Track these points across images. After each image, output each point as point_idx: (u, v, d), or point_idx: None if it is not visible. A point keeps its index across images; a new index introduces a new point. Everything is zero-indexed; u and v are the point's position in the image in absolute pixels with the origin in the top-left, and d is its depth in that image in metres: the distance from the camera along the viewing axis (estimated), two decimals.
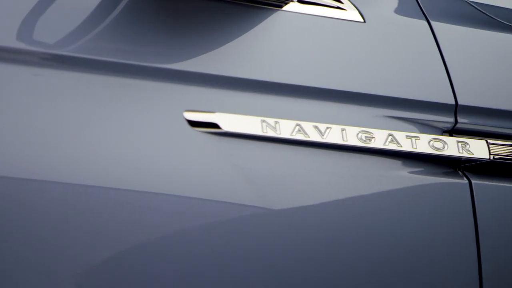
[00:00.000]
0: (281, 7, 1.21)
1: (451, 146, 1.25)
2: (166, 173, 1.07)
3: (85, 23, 1.08)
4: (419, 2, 1.34)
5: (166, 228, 1.07)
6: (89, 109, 1.06)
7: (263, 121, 1.14)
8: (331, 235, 1.16)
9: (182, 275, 1.07)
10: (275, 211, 1.13)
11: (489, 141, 1.28)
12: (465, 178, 1.26)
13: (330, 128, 1.18)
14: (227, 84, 1.14)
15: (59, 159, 1.03)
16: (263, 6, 1.20)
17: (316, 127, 1.17)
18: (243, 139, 1.13)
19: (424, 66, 1.28)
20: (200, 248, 1.08)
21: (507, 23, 1.42)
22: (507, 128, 1.32)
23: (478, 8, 1.42)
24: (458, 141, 1.26)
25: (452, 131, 1.28)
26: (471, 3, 1.43)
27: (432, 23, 1.32)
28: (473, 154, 1.26)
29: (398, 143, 1.21)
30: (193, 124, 1.11)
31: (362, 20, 1.27)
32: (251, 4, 1.19)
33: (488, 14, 1.42)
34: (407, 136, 1.22)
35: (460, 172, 1.27)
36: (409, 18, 1.32)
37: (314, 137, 1.16)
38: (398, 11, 1.32)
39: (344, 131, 1.18)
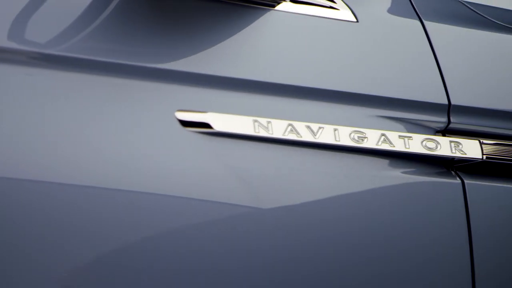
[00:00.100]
0: (274, 6, 1.21)
1: (444, 146, 1.25)
2: (157, 173, 1.07)
3: (77, 22, 1.08)
4: (412, 2, 1.34)
5: (157, 227, 1.06)
6: (81, 108, 1.06)
7: (255, 121, 1.14)
8: (323, 235, 1.15)
9: (175, 274, 1.07)
10: (267, 211, 1.13)
11: (482, 141, 1.28)
12: (458, 178, 1.26)
13: (323, 128, 1.18)
14: (219, 84, 1.14)
15: (51, 159, 1.03)
16: (256, 5, 1.19)
17: (308, 127, 1.17)
18: (235, 139, 1.12)
19: (417, 66, 1.28)
20: (192, 247, 1.08)
21: (501, 23, 1.42)
22: (500, 128, 1.32)
23: (472, 8, 1.42)
24: (451, 141, 1.26)
25: (445, 131, 1.28)
26: (464, 3, 1.43)
27: (425, 23, 1.32)
28: (466, 154, 1.26)
29: (390, 143, 1.21)
30: (185, 124, 1.10)
31: (355, 20, 1.27)
32: (243, 3, 1.19)
33: (482, 14, 1.42)
34: (399, 136, 1.22)
35: (453, 172, 1.26)
36: (402, 18, 1.32)
37: (307, 137, 1.16)
38: (391, 10, 1.31)
39: (336, 131, 1.18)
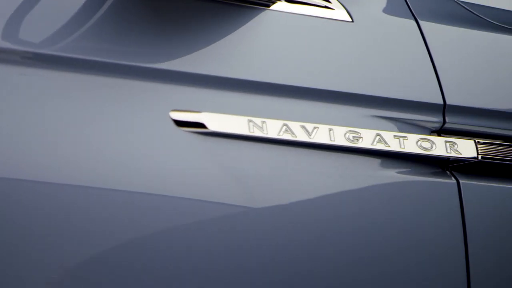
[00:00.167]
0: (269, 6, 1.21)
1: (439, 146, 1.25)
2: (152, 173, 1.07)
3: (71, 22, 1.08)
4: (408, 2, 1.34)
5: (152, 227, 1.06)
6: (75, 108, 1.05)
7: (250, 121, 1.13)
8: (318, 234, 1.15)
9: (169, 273, 1.07)
10: (262, 211, 1.12)
11: (477, 141, 1.28)
12: (453, 178, 1.25)
13: (318, 128, 1.17)
14: (214, 84, 1.14)
15: (44, 159, 1.03)
16: (251, 5, 1.19)
17: (303, 127, 1.17)
18: (230, 139, 1.12)
19: (412, 66, 1.28)
20: (186, 247, 1.08)
21: (496, 23, 1.42)
22: (496, 128, 1.32)
23: (467, 7, 1.42)
24: (446, 141, 1.26)
25: (440, 131, 1.28)
26: (460, 3, 1.43)
27: (421, 22, 1.32)
28: (461, 154, 1.26)
29: (386, 143, 1.21)
30: (180, 123, 1.10)
31: (350, 20, 1.27)
32: (238, 3, 1.18)
33: (477, 14, 1.42)
34: (395, 136, 1.22)
35: (448, 172, 1.26)
36: (397, 18, 1.32)
37: (302, 137, 1.16)
38: (387, 10, 1.31)
39: (331, 131, 1.18)
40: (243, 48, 1.17)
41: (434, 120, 1.27)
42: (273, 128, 1.15)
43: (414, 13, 1.33)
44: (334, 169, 1.18)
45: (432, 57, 1.29)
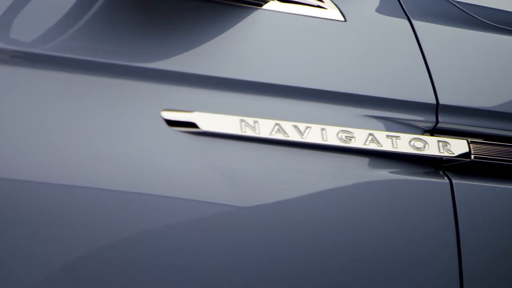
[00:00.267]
0: (261, 5, 1.20)
1: (432, 146, 1.25)
2: (143, 173, 1.07)
3: (63, 22, 1.07)
4: (401, 1, 1.34)
5: (143, 226, 1.06)
6: (65, 108, 1.05)
7: (242, 120, 1.13)
8: (310, 234, 1.15)
9: (161, 272, 1.07)
10: (254, 211, 1.12)
11: (470, 140, 1.28)
12: (446, 178, 1.25)
13: (310, 127, 1.17)
14: (206, 83, 1.13)
15: (35, 158, 1.02)
16: (243, 4, 1.19)
17: (295, 126, 1.16)
18: (222, 138, 1.12)
19: (405, 65, 1.28)
20: (178, 247, 1.08)
21: (489, 23, 1.42)
22: (488, 128, 1.32)
23: (460, 7, 1.42)
24: (439, 141, 1.26)
25: (433, 131, 1.28)
26: (453, 2, 1.43)
27: (414, 22, 1.32)
28: (454, 154, 1.26)
29: (378, 142, 1.21)
30: (171, 123, 1.10)
31: (343, 19, 1.27)
32: (230, 2, 1.18)
33: (470, 14, 1.42)
34: (387, 136, 1.22)
35: (441, 172, 1.26)
36: (390, 17, 1.31)
37: (294, 136, 1.16)
38: (380, 10, 1.31)
39: (324, 131, 1.18)
40: (235, 48, 1.17)
41: (427, 119, 1.27)
42: (265, 128, 1.14)
43: (407, 13, 1.33)
44: (326, 169, 1.18)
45: (425, 57, 1.29)
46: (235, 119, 1.13)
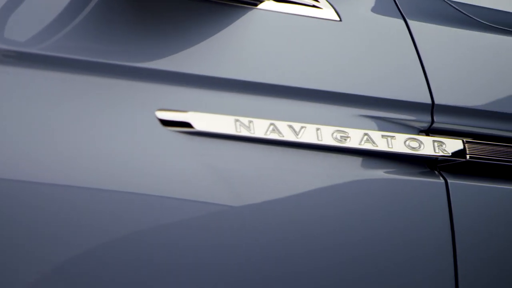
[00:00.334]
0: (256, 5, 1.20)
1: (427, 146, 1.25)
2: (137, 173, 1.07)
3: (56, 21, 1.07)
4: (396, 1, 1.34)
5: (137, 226, 1.06)
6: (59, 107, 1.05)
7: (237, 120, 1.13)
8: (305, 234, 1.15)
9: (152, 272, 1.07)
10: (248, 211, 1.12)
11: (466, 140, 1.28)
12: (441, 178, 1.25)
13: (305, 127, 1.17)
14: (200, 83, 1.13)
15: (27, 158, 1.02)
16: (238, 4, 1.19)
17: (290, 126, 1.16)
18: (217, 138, 1.12)
19: (401, 65, 1.28)
20: (172, 247, 1.08)
21: (485, 22, 1.42)
22: (484, 128, 1.32)
23: (456, 7, 1.42)
24: (434, 141, 1.25)
25: (429, 131, 1.27)
26: (448, 2, 1.42)
27: (409, 21, 1.32)
28: (449, 154, 1.26)
29: (373, 142, 1.21)
30: (166, 123, 1.10)
31: (338, 19, 1.26)
32: (225, 2, 1.18)
33: (466, 13, 1.42)
34: (382, 136, 1.22)
35: (436, 172, 1.26)
36: (385, 17, 1.31)
37: (289, 136, 1.16)
38: (375, 10, 1.31)
39: (319, 131, 1.18)
40: (229, 47, 1.17)
41: (422, 119, 1.27)
42: (260, 128, 1.14)
43: (403, 12, 1.33)
44: (321, 168, 1.18)
45: (420, 57, 1.29)
46: (230, 119, 1.13)
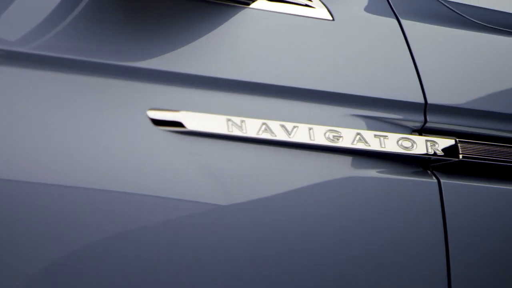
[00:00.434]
0: (248, 4, 1.20)
1: (420, 145, 1.24)
2: (129, 172, 1.06)
3: (47, 20, 1.07)
4: (389, 1, 1.34)
5: (128, 226, 1.06)
6: (50, 107, 1.05)
7: (229, 120, 1.13)
8: (297, 234, 1.15)
9: (146, 271, 1.07)
10: (240, 210, 1.12)
11: (459, 140, 1.28)
12: (434, 177, 1.25)
13: (297, 127, 1.17)
14: (192, 83, 1.13)
15: (18, 158, 1.02)
16: (230, 3, 1.19)
17: (283, 126, 1.16)
18: (208, 138, 1.12)
19: (393, 64, 1.28)
20: (164, 246, 1.08)
21: (478, 22, 1.42)
22: (477, 127, 1.32)
23: (449, 6, 1.42)
24: (427, 140, 1.25)
25: (422, 130, 1.27)
26: (442, 2, 1.42)
27: (402, 21, 1.31)
28: (442, 153, 1.26)
29: (366, 142, 1.21)
30: (157, 122, 1.09)
31: (330, 18, 1.26)
32: (217, 1, 1.18)
33: (459, 13, 1.42)
34: (375, 135, 1.22)
35: (429, 172, 1.26)
36: (378, 16, 1.31)
37: (281, 136, 1.16)
38: (368, 9, 1.31)
39: (311, 130, 1.18)
40: (222, 47, 1.16)
41: (415, 119, 1.27)
42: (252, 127, 1.14)
43: (396, 12, 1.33)
44: (314, 168, 1.18)
45: (413, 56, 1.29)
46: (222, 118, 1.13)
